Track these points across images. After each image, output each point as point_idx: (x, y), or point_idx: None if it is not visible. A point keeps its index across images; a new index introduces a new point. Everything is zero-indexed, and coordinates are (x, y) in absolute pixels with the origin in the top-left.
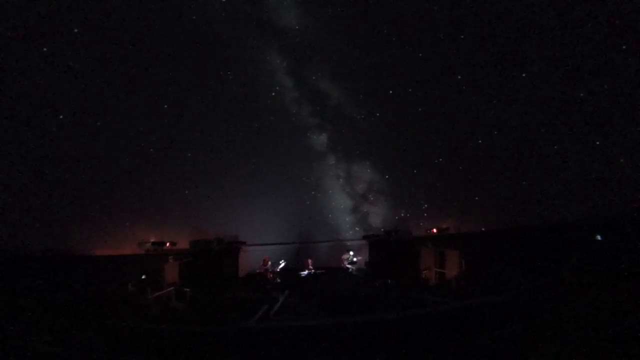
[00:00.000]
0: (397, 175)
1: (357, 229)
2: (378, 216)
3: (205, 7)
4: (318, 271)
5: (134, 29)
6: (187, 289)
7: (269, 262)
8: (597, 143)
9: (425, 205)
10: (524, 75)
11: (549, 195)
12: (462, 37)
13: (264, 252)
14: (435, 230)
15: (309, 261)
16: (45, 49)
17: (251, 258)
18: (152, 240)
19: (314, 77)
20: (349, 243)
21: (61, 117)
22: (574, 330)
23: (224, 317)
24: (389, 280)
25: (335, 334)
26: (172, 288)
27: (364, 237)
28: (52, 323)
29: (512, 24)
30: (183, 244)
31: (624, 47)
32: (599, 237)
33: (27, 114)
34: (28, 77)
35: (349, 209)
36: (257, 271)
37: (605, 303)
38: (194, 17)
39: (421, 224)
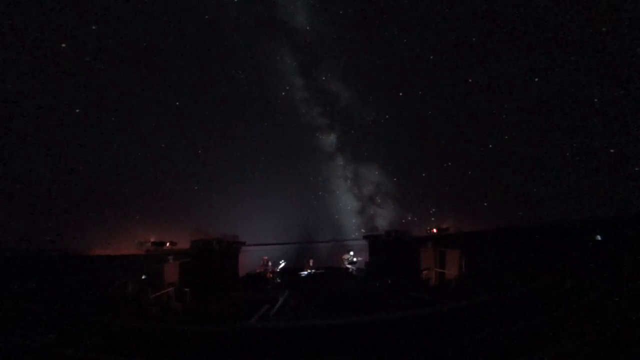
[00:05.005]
0: (405, 178)
1: (362, 230)
2: (384, 219)
3: (217, 7)
4: (318, 271)
5: (148, 28)
6: (187, 289)
7: (269, 262)
8: (612, 151)
9: (433, 210)
10: (536, 79)
11: (549, 195)
12: (473, 39)
13: (264, 252)
14: (435, 230)
15: (310, 261)
16: (63, 45)
17: (251, 258)
18: (152, 240)
19: (324, 78)
20: (349, 243)
21: (77, 110)
22: (574, 330)
23: (224, 317)
24: (389, 280)
25: (335, 334)
26: (172, 288)
27: (364, 237)
28: (52, 323)
29: (525, 28)
30: (183, 244)
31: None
32: (599, 237)
33: (28, 113)
34: (33, 76)
35: (356, 211)
36: (257, 271)
37: (605, 303)
38: (207, 17)
39: (427, 228)
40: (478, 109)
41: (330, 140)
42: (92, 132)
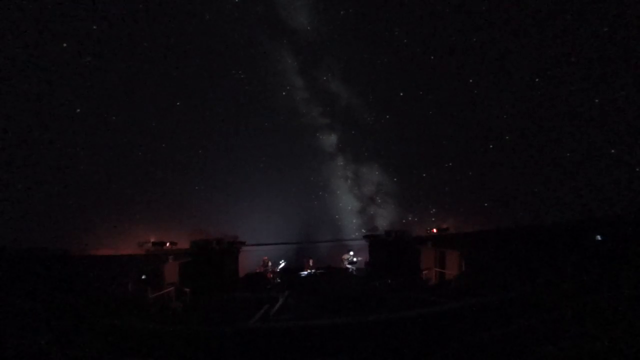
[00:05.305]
0: (405, 178)
1: (363, 230)
2: (385, 219)
3: (218, 7)
4: (318, 271)
5: (148, 28)
6: (187, 289)
7: (269, 262)
8: (613, 151)
9: (433, 210)
10: (537, 80)
11: (549, 195)
12: (474, 40)
13: (264, 252)
14: (435, 230)
15: (310, 261)
16: (65, 45)
17: (251, 258)
18: (152, 240)
19: (324, 78)
20: (349, 243)
21: (78, 110)
22: (574, 330)
23: (224, 317)
24: (389, 280)
25: (335, 334)
26: (172, 288)
27: (364, 237)
28: (52, 323)
29: (526, 28)
30: (183, 244)
31: None
32: (599, 237)
33: (29, 112)
34: (34, 75)
35: (356, 211)
36: (257, 271)
37: (605, 303)
38: (207, 17)
39: (428, 229)
40: (479, 109)
41: (330, 140)
42: (92, 131)
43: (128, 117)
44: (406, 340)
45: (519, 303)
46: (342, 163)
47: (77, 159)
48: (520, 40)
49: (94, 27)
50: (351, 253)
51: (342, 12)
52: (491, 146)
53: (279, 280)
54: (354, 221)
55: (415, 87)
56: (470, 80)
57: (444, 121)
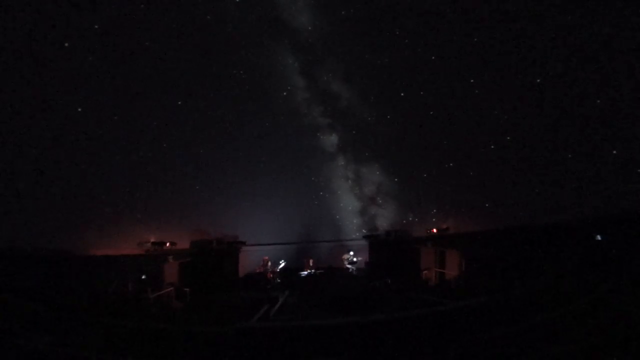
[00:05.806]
0: (406, 178)
1: (363, 230)
2: (385, 219)
3: (219, 7)
4: (318, 271)
5: (150, 28)
6: (187, 289)
7: (269, 262)
8: (614, 152)
9: (434, 210)
10: (538, 80)
11: (549, 195)
12: (475, 40)
13: (264, 252)
14: (435, 230)
15: (310, 261)
16: (65, 44)
17: (251, 258)
18: (152, 240)
19: (325, 78)
20: (349, 243)
21: (79, 109)
22: (574, 330)
23: (224, 317)
24: (389, 280)
25: (335, 334)
26: (172, 288)
27: (364, 237)
28: (52, 323)
29: (527, 29)
30: (183, 244)
31: None
32: (599, 237)
33: (30, 112)
34: (35, 74)
35: (357, 211)
36: (257, 271)
37: (605, 303)
38: (208, 17)
39: (427, 229)
40: (479, 109)
41: (331, 140)
42: (93, 131)
43: (128, 117)
44: (406, 340)
45: (519, 303)
46: (342, 163)
47: (78, 159)
48: (520, 40)
49: (95, 26)
50: (351, 253)
51: (343, 12)
52: (491, 146)
53: (279, 280)
54: (355, 221)
55: (415, 87)
56: (471, 80)
57: (445, 121)
